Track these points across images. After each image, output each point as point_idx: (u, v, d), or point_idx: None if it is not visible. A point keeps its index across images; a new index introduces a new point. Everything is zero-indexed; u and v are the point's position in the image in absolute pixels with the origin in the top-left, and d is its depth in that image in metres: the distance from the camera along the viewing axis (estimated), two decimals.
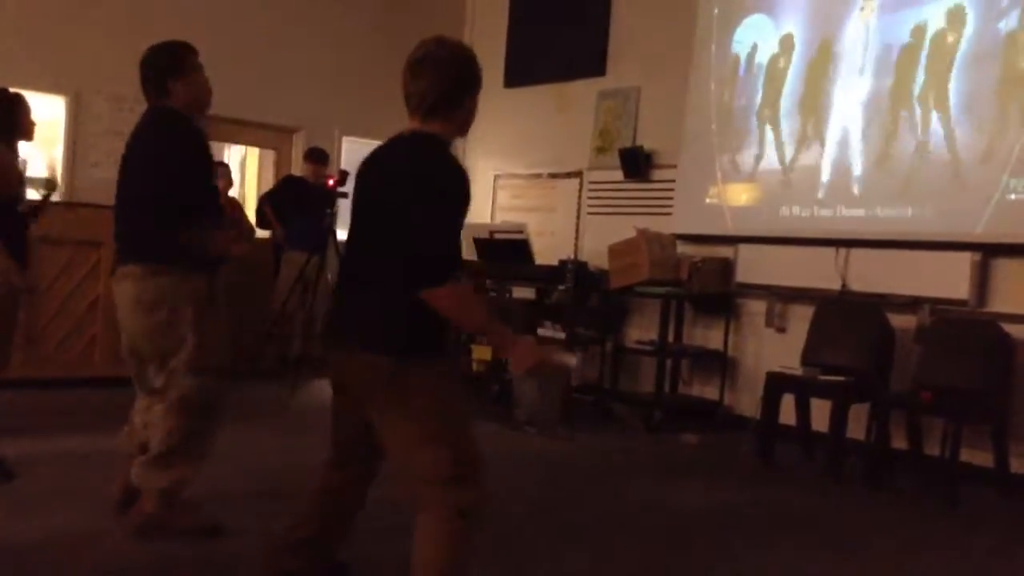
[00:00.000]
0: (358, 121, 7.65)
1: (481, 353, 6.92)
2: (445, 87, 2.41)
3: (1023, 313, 5.01)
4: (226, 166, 7.05)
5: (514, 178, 8.30)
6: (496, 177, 8.43)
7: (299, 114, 7.72)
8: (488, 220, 8.20)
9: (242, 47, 7.14)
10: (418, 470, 2.37)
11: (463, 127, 2.52)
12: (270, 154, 8.15)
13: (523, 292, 7.19)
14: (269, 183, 7.86)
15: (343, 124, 7.87)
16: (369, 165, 2.59)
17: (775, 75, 6.29)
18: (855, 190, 5.74)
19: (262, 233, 7.28)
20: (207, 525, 3.34)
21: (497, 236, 6.67)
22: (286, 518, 2.75)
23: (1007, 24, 5.10)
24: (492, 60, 8.40)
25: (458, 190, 2.38)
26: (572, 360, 2.30)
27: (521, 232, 6.51)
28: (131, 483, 3.33)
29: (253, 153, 8.42)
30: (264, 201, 7.28)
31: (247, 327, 5.99)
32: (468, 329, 2.27)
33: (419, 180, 2.37)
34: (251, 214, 7.29)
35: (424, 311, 2.34)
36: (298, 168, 7.65)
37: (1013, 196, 5.02)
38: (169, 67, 3.29)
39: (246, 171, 8.51)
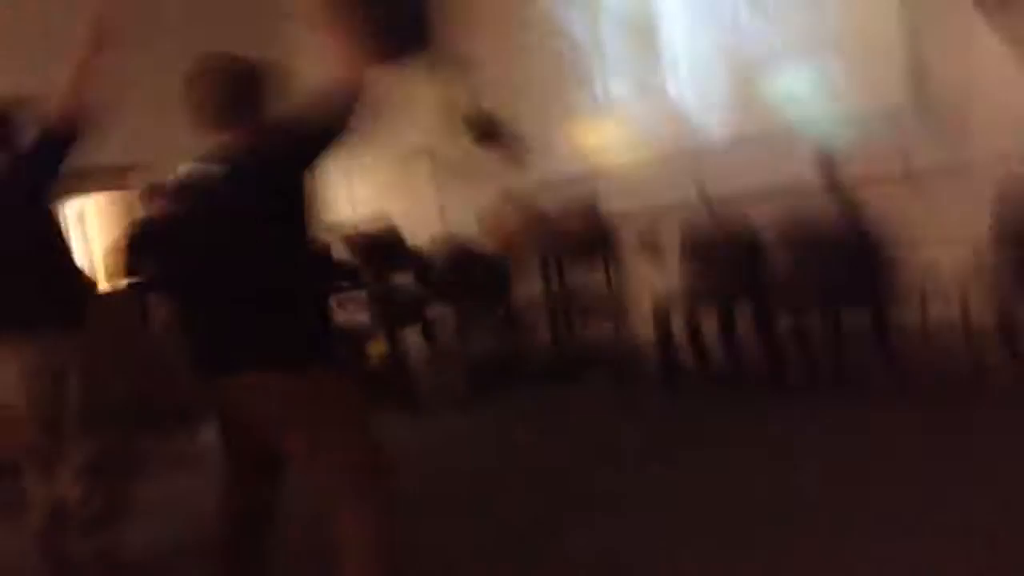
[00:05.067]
0: (193, 149, 7.36)
1: (376, 348, 6.86)
2: (227, 96, 2.46)
3: None
4: None
5: (367, 166, 8.16)
6: (349, 167, 8.28)
7: (131, 150, 7.36)
8: (349, 213, 8.07)
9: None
10: (330, 471, 2.39)
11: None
12: (114, 199, 7.80)
13: (405, 279, 7.13)
14: (115, 231, 7.50)
15: (180, 156, 7.57)
16: (188, 192, 2.56)
17: (597, 8, 6.36)
18: (699, 98, 5.89)
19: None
20: None
21: (365, 231, 6.59)
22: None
23: None
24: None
25: None
26: None
27: (387, 221, 6.44)
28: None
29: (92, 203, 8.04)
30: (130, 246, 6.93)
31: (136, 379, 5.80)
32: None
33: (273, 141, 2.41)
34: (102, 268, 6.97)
35: (301, 319, 2.38)
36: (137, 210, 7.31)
37: None
38: None
39: (86, 226, 8.10)
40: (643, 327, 6.23)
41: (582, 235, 6.44)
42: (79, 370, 3.15)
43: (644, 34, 6.07)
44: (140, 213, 7.35)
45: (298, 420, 2.37)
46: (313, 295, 2.52)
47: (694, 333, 5.61)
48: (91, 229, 8.11)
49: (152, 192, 6.98)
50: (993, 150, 4.83)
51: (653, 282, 6.06)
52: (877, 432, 3.99)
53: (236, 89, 2.47)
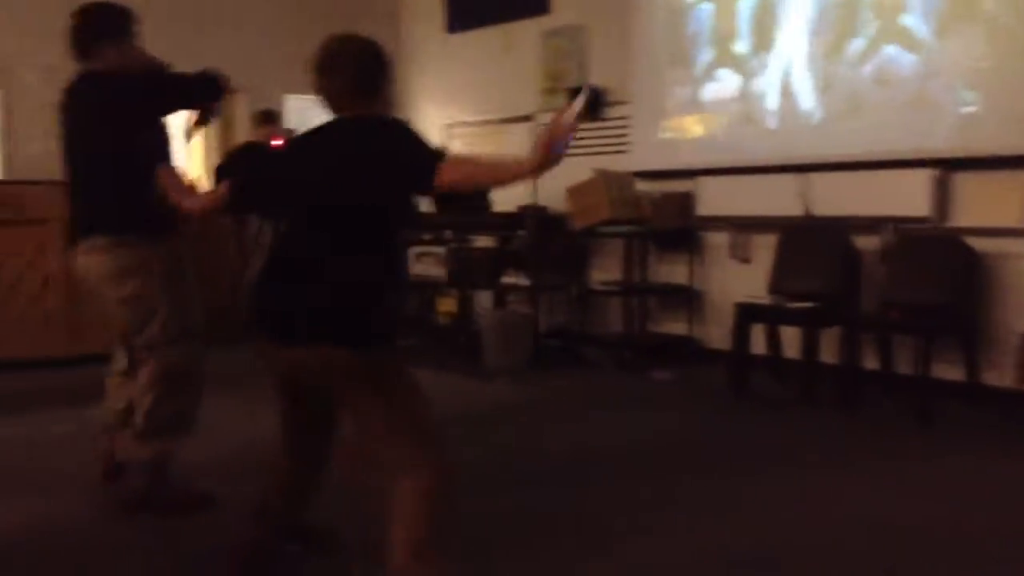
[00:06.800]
0: (301, 77, 7.41)
1: (446, 305, 6.86)
2: (361, 78, 2.48)
3: (984, 226, 5.02)
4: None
5: (465, 126, 8.14)
6: (447, 126, 8.27)
7: (237, 73, 7.42)
8: None
9: (175, 4, 6.89)
10: (392, 450, 2.39)
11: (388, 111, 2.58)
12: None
13: (484, 241, 7.10)
14: (214, 150, 7.61)
15: (285, 81, 7.63)
16: (312, 144, 2.57)
17: None
18: (812, 114, 5.69)
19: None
20: (196, 497, 3.28)
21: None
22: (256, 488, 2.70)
23: None
24: (432, 5, 8.23)
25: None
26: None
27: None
28: (112, 457, 3.33)
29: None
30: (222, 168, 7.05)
31: (214, 295, 5.94)
32: (504, 177, 2.52)
33: (399, 134, 2.39)
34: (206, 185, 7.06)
35: (380, 298, 2.38)
36: (244, 133, 7.41)
37: (969, 109, 5.01)
38: (102, 29, 3.22)
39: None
40: (717, 329, 6.10)
41: (671, 227, 6.31)
42: (166, 277, 3.17)
43: (767, 41, 5.89)
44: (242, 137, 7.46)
45: (365, 393, 2.36)
46: (400, 274, 2.58)
47: (775, 343, 5.47)
48: (194, 146, 8.23)
49: (263, 117, 7.06)
50: None
51: (737, 287, 5.91)
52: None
53: (373, 69, 2.51)
